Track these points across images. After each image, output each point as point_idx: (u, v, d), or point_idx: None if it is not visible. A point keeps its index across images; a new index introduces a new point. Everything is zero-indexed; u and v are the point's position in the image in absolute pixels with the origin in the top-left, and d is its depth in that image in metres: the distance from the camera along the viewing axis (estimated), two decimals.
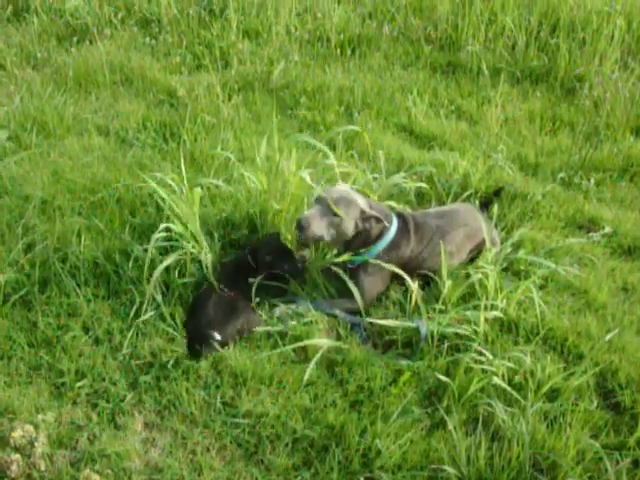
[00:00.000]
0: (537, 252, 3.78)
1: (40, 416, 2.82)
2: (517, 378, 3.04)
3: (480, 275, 3.37)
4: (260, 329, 3.22)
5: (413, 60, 5.90)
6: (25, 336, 3.21)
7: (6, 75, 5.26)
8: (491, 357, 3.05)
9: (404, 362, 3.13)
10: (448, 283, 3.32)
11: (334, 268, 3.42)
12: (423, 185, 4.11)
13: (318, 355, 3.07)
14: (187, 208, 3.44)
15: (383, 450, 2.74)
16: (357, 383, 3.03)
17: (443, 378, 2.98)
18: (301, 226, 3.28)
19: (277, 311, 3.35)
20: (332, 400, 2.97)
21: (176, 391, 2.97)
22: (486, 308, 3.24)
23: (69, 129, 4.71)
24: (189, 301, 3.37)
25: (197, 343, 3.12)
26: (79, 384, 3.00)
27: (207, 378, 3.02)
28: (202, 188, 3.75)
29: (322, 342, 3.15)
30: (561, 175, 4.48)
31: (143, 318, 3.23)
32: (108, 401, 2.95)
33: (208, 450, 2.79)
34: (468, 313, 3.27)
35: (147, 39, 5.86)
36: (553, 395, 3.00)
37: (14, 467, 2.61)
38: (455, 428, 2.80)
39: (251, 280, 3.35)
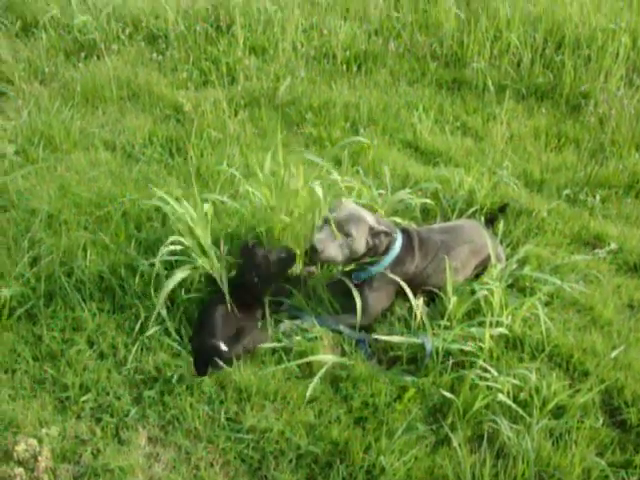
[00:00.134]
0: (542, 269, 3.77)
1: (44, 430, 2.81)
2: (522, 395, 3.02)
3: (485, 291, 3.36)
4: (265, 345, 3.22)
5: (419, 77, 5.91)
6: (30, 350, 3.21)
7: (14, 90, 5.29)
8: (496, 374, 3.04)
9: (409, 378, 3.13)
10: (453, 299, 3.32)
11: (344, 278, 3.44)
12: (428, 201, 4.11)
13: (322, 371, 3.06)
14: (200, 222, 3.44)
15: (387, 467, 2.72)
16: (362, 399, 3.02)
17: (448, 395, 2.97)
18: (316, 250, 3.29)
19: (282, 327, 3.35)
20: (336, 416, 2.96)
21: (180, 406, 2.96)
22: (491, 325, 3.23)
23: (76, 144, 4.73)
24: (194, 316, 3.37)
25: (203, 357, 3.11)
26: (83, 398, 3.00)
27: (211, 393, 3.02)
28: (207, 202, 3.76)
29: (327, 358, 3.14)
30: (566, 192, 4.48)
31: (148, 333, 3.24)
32: (112, 415, 2.95)
33: (212, 465, 2.78)
34: (473, 329, 3.26)
35: (154, 55, 5.89)
36: (558, 412, 2.99)
37: None
38: (460, 445, 2.79)
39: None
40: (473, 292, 3.44)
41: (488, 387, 2.99)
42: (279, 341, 3.26)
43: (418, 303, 3.31)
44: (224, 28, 6.26)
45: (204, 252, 3.45)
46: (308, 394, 2.98)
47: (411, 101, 5.49)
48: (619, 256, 4.01)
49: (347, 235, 3.33)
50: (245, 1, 6.44)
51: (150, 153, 4.65)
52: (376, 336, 3.29)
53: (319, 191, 3.54)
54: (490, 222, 3.99)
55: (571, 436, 2.86)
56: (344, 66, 5.83)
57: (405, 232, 3.57)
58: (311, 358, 3.12)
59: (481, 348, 3.19)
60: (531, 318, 3.41)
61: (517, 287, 3.66)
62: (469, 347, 3.17)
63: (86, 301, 3.41)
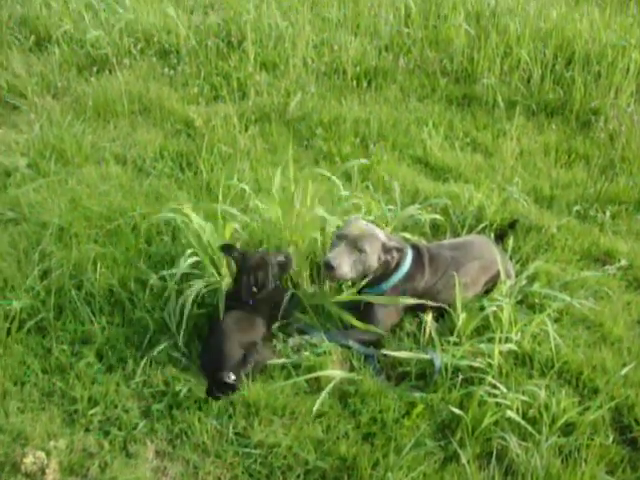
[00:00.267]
0: (552, 285, 3.76)
1: (52, 442, 2.82)
2: (531, 412, 3.01)
3: (495, 308, 3.36)
4: (274, 361, 3.22)
5: (429, 92, 5.92)
6: (39, 362, 3.22)
7: (27, 103, 5.33)
8: (505, 390, 3.03)
9: (417, 394, 3.11)
10: (462, 315, 3.32)
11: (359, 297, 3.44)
12: (438, 217, 4.11)
13: (330, 386, 3.05)
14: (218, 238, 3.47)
15: None
16: (370, 415, 3.01)
17: (457, 411, 2.96)
18: (330, 267, 3.29)
19: (291, 341, 3.35)
20: (344, 432, 2.95)
21: (188, 420, 2.96)
22: (500, 341, 3.22)
23: (87, 157, 4.76)
24: (204, 331, 3.37)
25: (212, 384, 3.09)
26: (92, 411, 3.00)
27: (219, 408, 3.02)
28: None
29: (335, 373, 3.14)
30: (576, 208, 4.47)
31: (157, 348, 3.24)
32: (120, 429, 2.95)
33: None
34: (482, 346, 3.25)
35: (166, 69, 5.93)
36: (568, 429, 2.97)
37: None
38: (468, 462, 2.77)
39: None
40: (482, 308, 3.43)
41: (497, 404, 2.97)
42: (288, 356, 3.26)
43: (427, 319, 3.31)
44: (235, 44, 6.29)
45: (216, 267, 3.47)
46: (316, 409, 2.97)
47: (421, 117, 5.50)
48: (629, 272, 3.99)
49: (361, 251, 3.33)
50: (256, 17, 6.48)
51: (161, 167, 4.67)
52: (385, 351, 3.29)
53: (323, 214, 3.57)
54: (500, 238, 3.99)
55: (581, 454, 2.85)
56: (354, 82, 5.85)
57: (415, 248, 3.57)
58: (319, 373, 3.12)
59: (490, 364, 3.17)
60: (540, 334, 3.39)
61: (526, 303, 3.65)
62: (478, 363, 3.16)
63: (95, 314, 3.43)
